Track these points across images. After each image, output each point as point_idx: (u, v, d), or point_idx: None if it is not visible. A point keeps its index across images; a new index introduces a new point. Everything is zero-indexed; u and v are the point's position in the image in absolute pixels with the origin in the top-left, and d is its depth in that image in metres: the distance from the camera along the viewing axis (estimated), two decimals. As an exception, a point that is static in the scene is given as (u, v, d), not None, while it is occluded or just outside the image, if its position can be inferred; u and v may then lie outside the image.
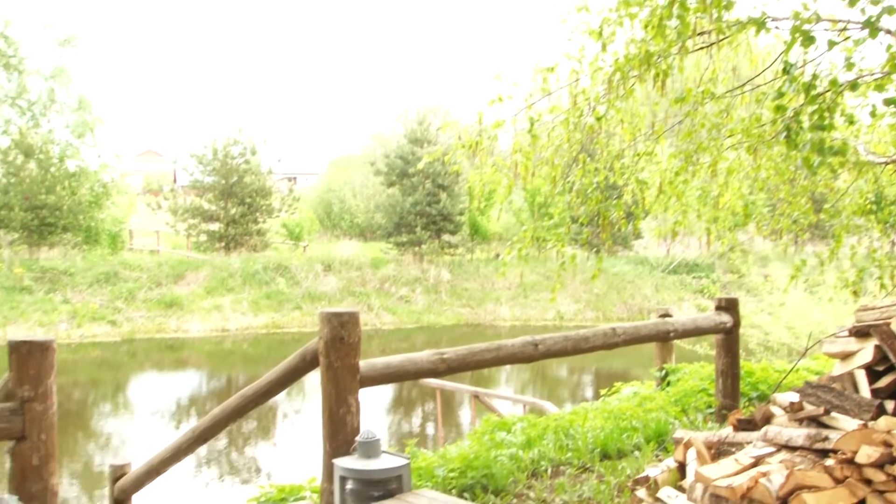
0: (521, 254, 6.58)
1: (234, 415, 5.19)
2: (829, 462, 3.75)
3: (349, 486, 4.29)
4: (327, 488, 4.55)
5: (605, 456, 5.81)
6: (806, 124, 4.44)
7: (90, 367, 23.53)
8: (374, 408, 16.42)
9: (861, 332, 4.48)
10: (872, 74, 5.35)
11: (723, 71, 6.58)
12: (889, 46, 4.55)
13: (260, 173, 35.19)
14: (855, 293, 7.15)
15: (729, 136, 6.31)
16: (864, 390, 4.28)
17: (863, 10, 4.46)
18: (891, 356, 4.20)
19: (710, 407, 6.91)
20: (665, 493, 4.64)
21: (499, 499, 4.97)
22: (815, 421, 4.27)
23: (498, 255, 38.28)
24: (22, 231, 30.58)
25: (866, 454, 3.62)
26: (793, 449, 4.16)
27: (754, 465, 4.12)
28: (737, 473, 4.06)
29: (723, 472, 4.07)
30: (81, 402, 19.31)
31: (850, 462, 3.68)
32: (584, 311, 32.21)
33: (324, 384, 4.57)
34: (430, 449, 6.60)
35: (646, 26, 5.32)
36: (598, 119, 5.94)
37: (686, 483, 4.54)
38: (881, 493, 3.56)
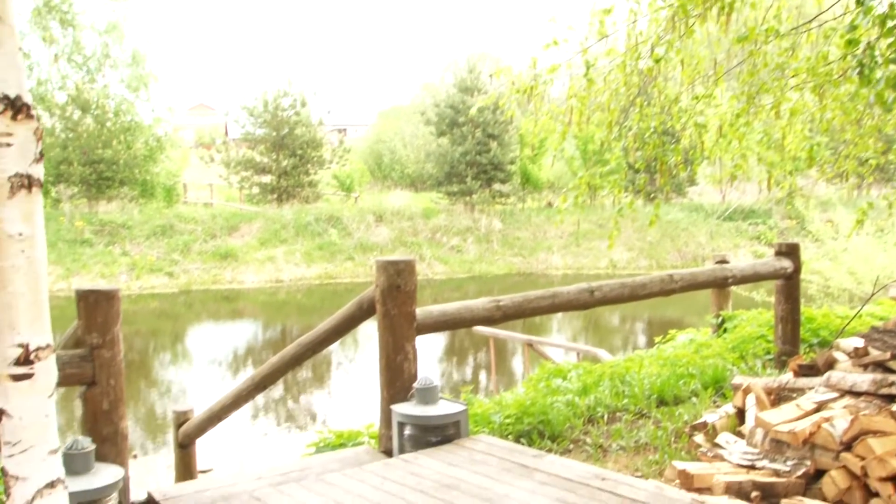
0: (578, 201, 6.50)
1: (292, 362, 5.27)
2: (896, 408, 3.69)
3: (407, 431, 4.34)
4: (385, 434, 4.61)
5: (661, 402, 5.79)
6: (880, 59, 4.26)
7: (150, 318, 24.11)
8: (427, 356, 16.58)
9: (930, 276, 4.37)
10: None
11: (787, 9, 6.35)
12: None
13: (310, 125, 35.28)
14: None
15: (793, 76, 6.11)
16: (933, 335, 4.19)
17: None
18: (961, 300, 4.10)
19: (768, 353, 6.82)
20: (723, 438, 4.62)
21: (555, 444, 4.99)
22: (880, 366, 4.20)
23: (550, 204, 38.00)
24: (81, 185, 31.21)
25: (935, 399, 3.55)
26: (857, 394, 4.09)
27: (817, 410, 4.07)
28: (799, 419, 4.01)
29: (784, 418, 4.03)
30: (142, 352, 19.83)
31: (918, 407, 3.62)
32: (638, 259, 31.92)
33: (381, 332, 4.60)
34: (483, 397, 6.65)
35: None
36: (657, 61, 5.79)
37: (745, 429, 4.51)
38: (950, 438, 3.50)
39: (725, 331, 7.86)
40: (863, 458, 3.49)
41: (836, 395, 4.18)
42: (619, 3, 6.15)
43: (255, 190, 35.43)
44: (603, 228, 33.08)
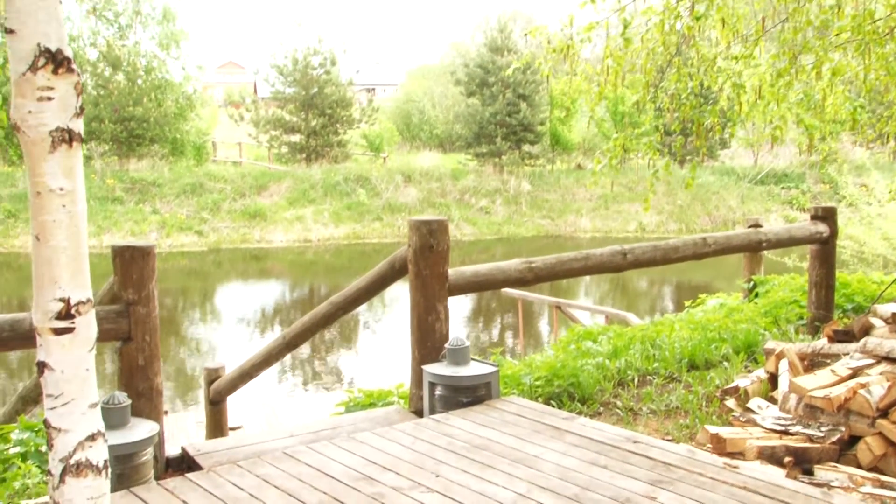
0: (612, 163, 6.43)
1: (323, 322, 5.29)
2: (936, 375, 3.64)
3: (438, 391, 4.35)
4: (416, 394, 4.63)
5: (692, 366, 5.76)
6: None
7: (180, 276, 24.36)
8: (454, 318, 16.48)
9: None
10: None
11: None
12: None
13: (340, 84, 35.13)
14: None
15: (836, 35, 5.95)
16: (975, 303, 4.11)
17: None
18: None
19: (801, 319, 6.75)
20: (755, 403, 4.59)
21: (586, 406, 4.99)
22: (919, 333, 4.13)
23: (580, 166, 37.67)
24: (112, 143, 31.44)
25: (976, 368, 3.50)
26: (894, 361, 4.04)
27: (852, 376, 4.03)
28: (834, 384, 3.97)
29: (819, 383, 4.00)
30: (173, 309, 20.07)
31: (958, 376, 3.57)
32: (667, 222, 31.66)
33: (412, 292, 4.60)
34: (511, 358, 6.66)
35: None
36: (698, 19, 5.66)
37: (777, 394, 4.48)
38: None
39: (757, 295, 7.78)
40: (899, 426, 3.46)
41: (872, 361, 4.13)
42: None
43: (284, 149, 35.46)
44: (632, 192, 32.80)
